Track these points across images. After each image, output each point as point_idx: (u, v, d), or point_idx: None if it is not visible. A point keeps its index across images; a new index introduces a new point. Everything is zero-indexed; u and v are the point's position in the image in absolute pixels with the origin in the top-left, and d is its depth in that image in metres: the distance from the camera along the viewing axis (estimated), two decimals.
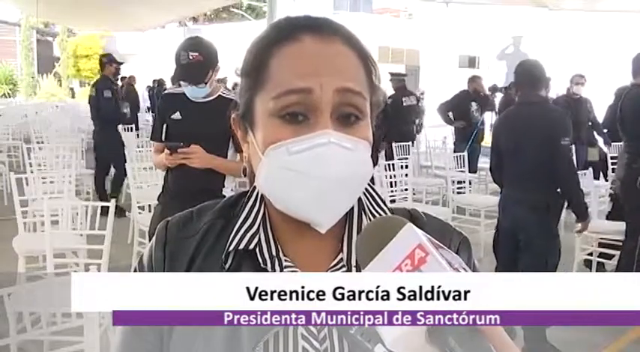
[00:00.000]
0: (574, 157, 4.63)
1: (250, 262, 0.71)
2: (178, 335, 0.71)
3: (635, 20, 12.10)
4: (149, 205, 4.70)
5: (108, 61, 6.58)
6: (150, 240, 0.79)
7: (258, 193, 0.76)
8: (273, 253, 0.72)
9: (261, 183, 0.70)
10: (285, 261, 0.72)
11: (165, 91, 2.94)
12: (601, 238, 4.61)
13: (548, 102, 3.45)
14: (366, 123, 0.69)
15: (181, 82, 2.68)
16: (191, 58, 2.60)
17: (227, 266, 0.71)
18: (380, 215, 0.75)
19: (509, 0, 9.91)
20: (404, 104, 7.68)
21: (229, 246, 0.72)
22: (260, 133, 0.69)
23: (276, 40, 0.69)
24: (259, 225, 0.74)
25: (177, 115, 2.68)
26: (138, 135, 8.11)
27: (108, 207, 3.24)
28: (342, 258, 0.73)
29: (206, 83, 2.62)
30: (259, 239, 0.73)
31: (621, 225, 4.38)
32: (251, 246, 0.72)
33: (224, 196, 3.26)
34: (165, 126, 2.71)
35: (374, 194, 0.77)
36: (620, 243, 4.33)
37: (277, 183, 0.68)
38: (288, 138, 0.66)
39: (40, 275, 3.61)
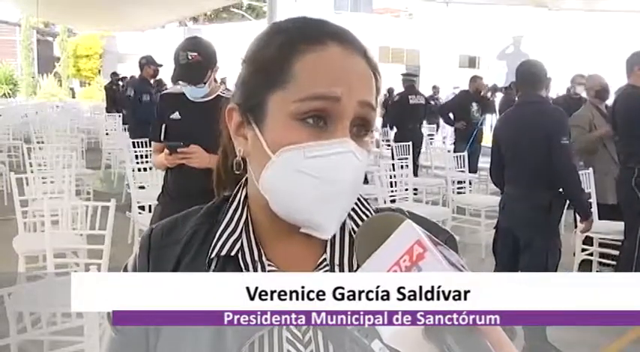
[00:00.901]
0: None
1: (234, 267, 0.71)
2: (165, 338, 0.71)
3: (635, 20, 12.09)
4: (149, 205, 4.70)
5: (146, 62, 6.57)
6: None
7: (241, 197, 0.76)
8: (256, 258, 0.72)
9: (266, 182, 0.69)
10: (269, 264, 0.72)
11: (164, 91, 2.93)
12: (601, 238, 4.61)
13: (548, 102, 3.45)
14: (369, 138, 0.71)
15: (180, 82, 2.68)
16: (190, 58, 2.60)
17: (210, 272, 0.71)
18: (365, 217, 0.75)
19: (510, 0, 9.91)
20: (410, 102, 7.89)
21: (212, 252, 0.72)
22: (272, 133, 0.68)
23: (300, 41, 0.69)
24: (242, 230, 0.73)
25: (176, 115, 2.68)
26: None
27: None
28: (325, 260, 0.72)
29: (205, 83, 2.63)
30: (242, 244, 0.72)
31: (621, 225, 4.38)
32: (233, 252, 0.71)
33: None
34: (164, 126, 2.71)
35: (359, 196, 0.77)
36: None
37: (286, 184, 0.67)
38: (305, 141, 0.66)
39: (40, 275, 3.61)
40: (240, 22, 25.71)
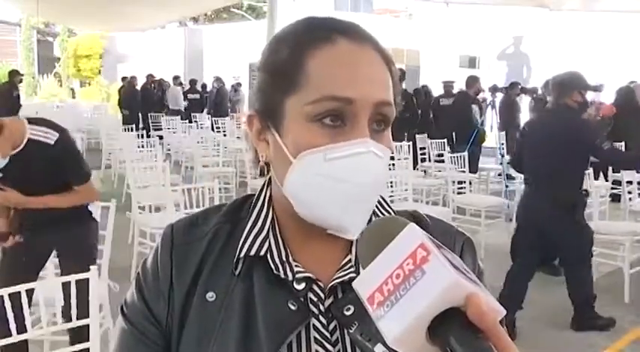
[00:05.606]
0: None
1: (261, 267, 0.71)
2: (188, 342, 0.71)
3: (635, 20, 12.09)
4: (149, 205, 4.71)
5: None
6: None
7: (265, 197, 0.75)
8: (284, 258, 0.71)
9: (290, 186, 0.68)
10: (296, 266, 0.71)
11: None
12: None
13: (571, 110, 3.70)
14: (389, 132, 0.70)
15: None
16: None
17: (237, 271, 0.71)
18: None
19: (510, 0, 9.91)
20: (440, 104, 9.15)
21: (240, 252, 0.71)
22: (291, 136, 0.67)
23: (310, 40, 0.68)
24: (268, 230, 0.73)
25: None
26: (139, 135, 8.12)
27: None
28: (350, 260, 0.72)
29: (4, 157, 2.50)
30: (269, 244, 0.72)
31: (621, 225, 4.39)
32: (262, 252, 0.71)
33: (95, 220, 3.10)
34: None
35: (380, 198, 0.77)
36: None
37: (309, 189, 0.66)
38: (324, 143, 0.65)
39: (40, 275, 3.60)
40: (240, 22, 25.65)
